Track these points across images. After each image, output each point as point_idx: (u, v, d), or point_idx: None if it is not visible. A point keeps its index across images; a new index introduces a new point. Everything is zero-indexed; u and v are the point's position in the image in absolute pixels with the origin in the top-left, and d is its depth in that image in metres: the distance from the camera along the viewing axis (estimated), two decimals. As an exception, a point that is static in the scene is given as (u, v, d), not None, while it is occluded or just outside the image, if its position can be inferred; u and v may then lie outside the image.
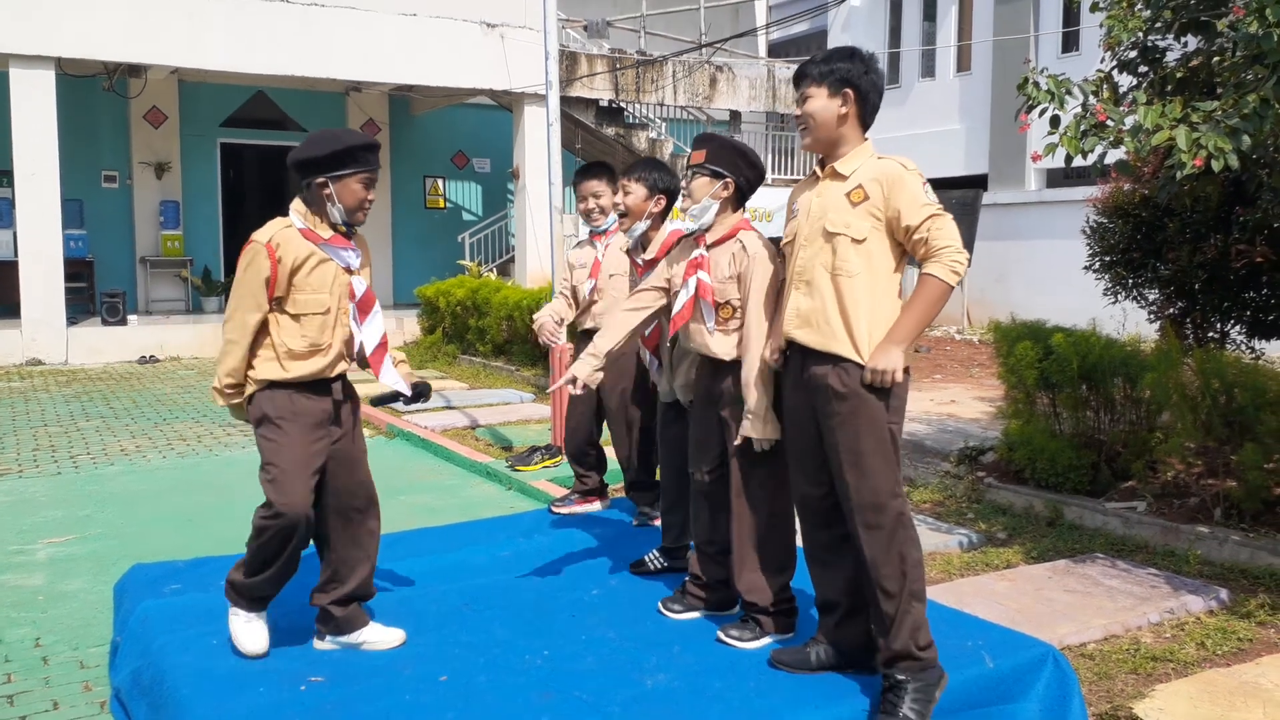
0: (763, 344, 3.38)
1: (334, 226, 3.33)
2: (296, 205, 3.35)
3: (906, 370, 3.11)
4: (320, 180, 3.26)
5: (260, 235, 3.27)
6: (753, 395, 3.38)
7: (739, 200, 3.62)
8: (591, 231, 5.30)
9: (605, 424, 5.28)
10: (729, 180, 3.55)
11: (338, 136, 3.32)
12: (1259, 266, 6.71)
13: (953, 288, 3.06)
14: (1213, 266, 6.85)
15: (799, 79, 3.23)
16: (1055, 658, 3.41)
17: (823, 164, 3.24)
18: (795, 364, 3.23)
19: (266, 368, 3.31)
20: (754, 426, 3.39)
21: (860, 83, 3.14)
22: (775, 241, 3.49)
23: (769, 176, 17.67)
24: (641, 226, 4.21)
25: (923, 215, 3.04)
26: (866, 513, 3.06)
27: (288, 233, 3.29)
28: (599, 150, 15.68)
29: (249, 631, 3.36)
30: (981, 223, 13.77)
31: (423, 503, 6.46)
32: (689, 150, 3.78)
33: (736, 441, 3.48)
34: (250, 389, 3.33)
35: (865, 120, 3.19)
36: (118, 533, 5.80)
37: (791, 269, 3.26)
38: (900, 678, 3.03)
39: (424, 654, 3.44)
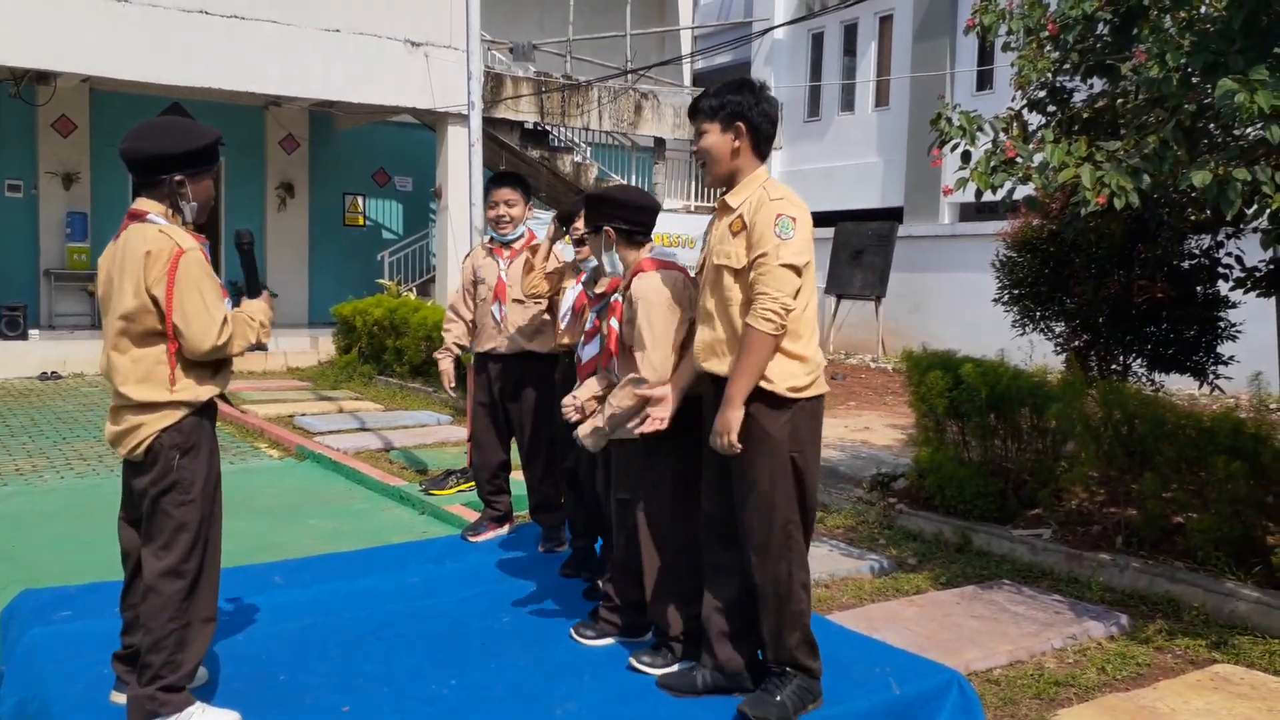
0: (656, 372, 3.41)
1: (183, 226, 3.07)
2: (153, 205, 3.05)
3: (817, 399, 3.16)
4: (179, 177, 3.03)
5: (184, 243, 2.98)
6: (609, 407, 3.49)
7: (635, 237, 3.65)
8: (496, 242, 5.20)
9: (516, 444, 5.20)
10: (606, 230, 3.64)
11: (195, 129, 3.10)
12: (1159, 302, 6.94)
13: (773, 336, 3.02)
14: (1116, 301, 7.07)
15: (693, 114, 3.30)
16: (960, 683, 3.47)
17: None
18: (711, 392, 3.29)
19: (195, 388, 3.04)
20: (588, 427, 3.57)
21: (751, 115, 3.20)
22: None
23: (690, 204, 17.98)
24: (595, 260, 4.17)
25: (758, 251, 3.06)
26: (754, 535, 3.13)
27: (187, 237, 3.01)
28: (523, 172, 15.62)
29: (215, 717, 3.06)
30: (896, 254, 14.08)
31: (331, 527, 6.31)
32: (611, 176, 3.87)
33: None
34: (178, 416, 3.02)
35: (759, 150, 3.26)
36: (7, 556, 5.55)
37: (698, 301, 3.35)
38: (788, 670, 3.14)
39: (327, 684, 3.35)
